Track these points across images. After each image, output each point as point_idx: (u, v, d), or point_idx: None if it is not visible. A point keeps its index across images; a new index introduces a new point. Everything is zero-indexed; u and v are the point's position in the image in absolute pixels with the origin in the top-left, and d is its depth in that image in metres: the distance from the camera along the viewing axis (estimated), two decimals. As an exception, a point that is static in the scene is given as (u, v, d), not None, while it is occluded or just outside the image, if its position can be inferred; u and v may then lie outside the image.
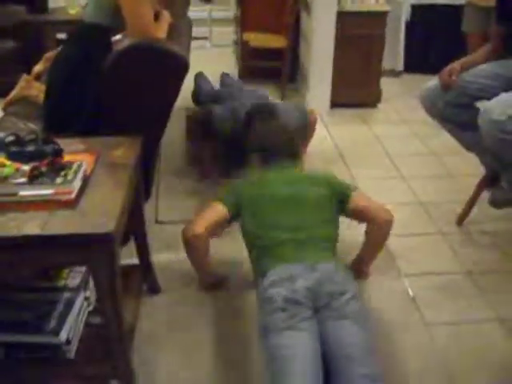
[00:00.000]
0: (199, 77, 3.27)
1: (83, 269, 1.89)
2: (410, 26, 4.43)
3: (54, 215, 1.44)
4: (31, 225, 1.40)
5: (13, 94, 2.70)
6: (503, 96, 2.10)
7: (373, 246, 2.17)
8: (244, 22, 4.23)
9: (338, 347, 1.59)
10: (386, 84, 4.18)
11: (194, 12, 5.23)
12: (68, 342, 1.66)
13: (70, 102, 2.10)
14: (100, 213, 1.45)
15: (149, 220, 2.57)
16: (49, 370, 1.65)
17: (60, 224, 1.41)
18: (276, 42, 4.00)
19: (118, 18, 2.01)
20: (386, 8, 3.65)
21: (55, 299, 1.73)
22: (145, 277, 2.11)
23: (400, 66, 4.50)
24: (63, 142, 1.77)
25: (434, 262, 2.39)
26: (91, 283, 1.88)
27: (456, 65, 2.32)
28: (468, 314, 2.10)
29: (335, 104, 3.90)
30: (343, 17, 3.60)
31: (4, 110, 2.59)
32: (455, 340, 1.97)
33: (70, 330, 1.68)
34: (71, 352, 1.68)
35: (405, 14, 4.33)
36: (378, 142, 3.51)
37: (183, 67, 1.95)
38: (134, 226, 1.96)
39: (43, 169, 1.55)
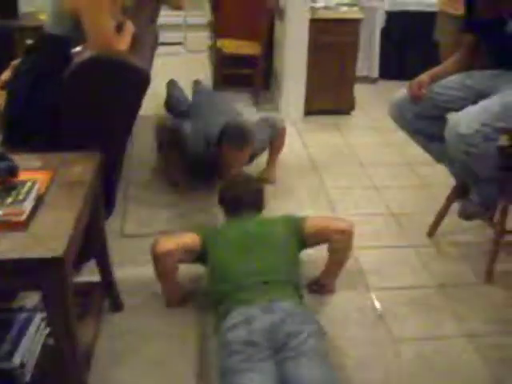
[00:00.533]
0: (171, 85, 3.23)
1: (41, 288, 1.85)
2: (385, 33, 4.42)
3: (3, 237, 1.39)
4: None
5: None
6: (470, 109, 2.09)
7: (336, 260, 2.17)
8: (218, 29, 4.18)
9: None
10: (361, 91, 4.17)
11: (169, 17, 5.22)
12: (22, 365, 1.61)
13: (31, 114, 2.05)
14: (51, 236, 1.40)
15: (115, 233, 2.55)
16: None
17: (9, 247, 1.36)
18: (250, 48, 3.97)
19: (78, 29, 1.96)
20: (359, 15, 3.63)
21: (10, 321, 1.68)
22: (107, 294, 2.06)
23: (375, 73, 4.49)
24: (20, 158, 1.71)
25: (403, 276, 2.37)
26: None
27: (425, 76, 2.30)
28: (436, 330, 2.08)
29: (309, 111, 3.88)
30: (316, 24, 3.58)
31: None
32: (422, 356, 1.94)
33: (25, 353, 1.64)
34: (26, 376, 1.63)
35: (380, 21, 4.32)
36: (352, 150, 3.50)
37: (143, 80, 1.91)
38: (93, 243, 1.92)
39: (-8, 189, 1.50)
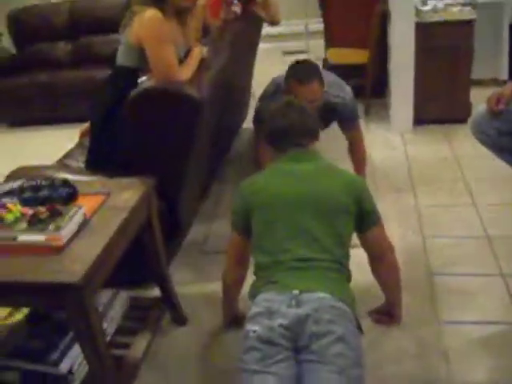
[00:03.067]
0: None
1: (103, 300, 2.03)
2: (514, 30, 3.98)
3: (41, 261, 1.56)
4: (15, 269, 1.54)
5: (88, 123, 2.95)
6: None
7: (388, 286, 2.01)
8: (328, 37, 4.13)
9: None
10: (485, 95, 3.80)
11: (291, 26, 5.28)
12: (71, 372, 1.79)
13: (106, 141, 2.25)
14: (79, 261, 1.53)
15: (196, 249, 2.68)
16: (53, 397, 1.79)
17: (41, 270, 1.52)
18: (357, 57, 3.85)
19: (144, 60, 2.12)
20: (470, 16, 3.32)
21: (65, 330, 1.87)
22: (169, 309, 2.18)
23: (504, 75, 4.06)
24: (82, 184, 1.91)
25: (483, 309, 2.13)
26: (110, 314, 2.01)
27: (507, 89, 2.06)
28: (507, 376, 1.84)
29: (420, 121, 3.66)
30: (423, 28, 3.35)
31: (80, 137, 2.82)
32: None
33: (75, 360, 1.81)
34: (75, 382, 1.80)
35: (508, 17, 3.90)
36: (458, 164, 3.22)
37: (195, 108, 1.98)
38: (149, 265, 2.05)
39: (42, 215, 1.68)
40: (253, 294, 1.72)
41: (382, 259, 1.91)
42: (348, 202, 1.77)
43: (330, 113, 2.63)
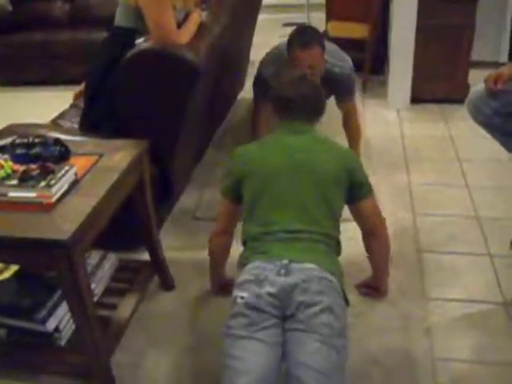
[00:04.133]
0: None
1: (92, 261, 2.03)
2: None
3: (30, 217, 1.56)
4: (5, 226, 1.53)
5: (82, 86, 2.91)
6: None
7: (377, 261, 2.03)
8: (328, 9, 4.07)
9: (292, 365, 1.48)
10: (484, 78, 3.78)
11: (292, -3, 5.21)
12: (57, 330, 1.80)
13: (101, 102, 2.22)
14: (68, 219, 1.53)
15: (187, 215, 2.68)
16: (39, 354, 1.81)
17: (29, 227, 1.52)
18: (357, 31, 3.80)
19: (142, 22, 2.08)
20: (475, -6, 3.28)
21: (54, 288, 1.87)
22: (156, 273, 2.19)
23: (504, 57, 4.03)
24: (75, 144, 1.90)
25: (468, 287, 2.16)
26: (99, 275, 2.02)
27: (506, 69, 2.05)
28: (489, 354, 1.87)
29: (417, 99, 3.64)
30: (425, 4, 3.31)
31: (74, 99, 2.79)
32: (457, 381, 1.77)
33: (62, 318, 1.82)
34: (61, 340, 1.82)
35: (512, -1, 3.87)
36: (453, 144, 3.22)
37: (193, 73, 1.96)
38: (140, 228, 2.05)
39: (34, 172, 1.67)
40: (241, 264, 1.73)
41: (374, 232, 1.92)
42: (340, 173, 1.77)
43: (329, 82, 2.60)
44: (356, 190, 1.83)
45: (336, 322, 1.53)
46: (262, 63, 2.73)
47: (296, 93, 1.88)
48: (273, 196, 1.74)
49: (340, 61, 2.62)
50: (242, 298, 1.57)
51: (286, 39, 2.55)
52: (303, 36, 2.45)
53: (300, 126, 1.87)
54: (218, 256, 2.05)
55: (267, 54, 2.74)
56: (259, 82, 2.73)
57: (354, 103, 2.82)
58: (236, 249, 1.94)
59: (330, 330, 1.51)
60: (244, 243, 1.80)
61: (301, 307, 1.53)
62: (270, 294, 1.55)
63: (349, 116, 2.83)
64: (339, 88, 2.68)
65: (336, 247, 1.78)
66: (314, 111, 1.92)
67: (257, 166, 1.80)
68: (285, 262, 1.60)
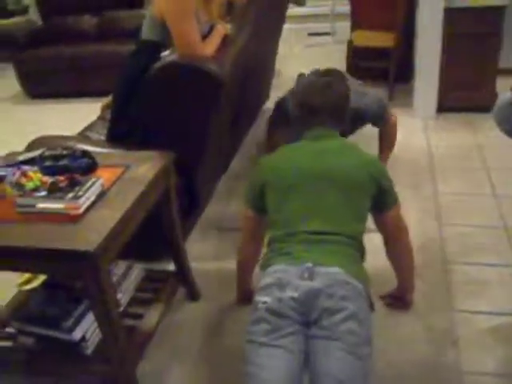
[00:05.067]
0: (299, 78, 3.20)
1: (118, 271, 2.06)
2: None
3: (59, 228, 1.59)
4: (33, 236, 1.56)
5: (109, 98, 2.96)
6: None
7: (402, 270, 2.00)
8: (355, 19, 4.06)
9: (315, 374, 1.46)
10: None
11: (316, 7, 5.22)
12: (84, 339, 1.83)
13: (128, 114, 2.26)
14: (95, 230, 1.55)
15: (212, 226, 2.70)
16: (65, 363, 1.83)
17: (58, 238, 1.55)
18: (383, 40, 3.78)
19: (168, 35, 2.11)
20: (501, 2, 3.23)
21: (81, 298, 1.90)
22: (182, 284, 2.20)
23: (533, 64, 3.97)
24: (102, 156, 1.93)
25: (496, 300, 2.12)
26: (124, 285, 2.04)
27: (535, 78, 2.01)
28: (517, 367, 1.84)
29: (444, 108, 3.61)
30: (452, 13, 3.28)
31: (102, 111, 2.84)
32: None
33: (89, 328, 1.85)
34: (88, 349, 1.84)
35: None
36: (481, 153, 3.18)
37: (217, 85, 1.97)
38: (166, 239, 2.07)
39: (62, 183, 1.71)
40: (264, 265, 1.70)
41: (396, 241, 1.90)
42: (366, 180, 1.74)
43: (359, 118, 2.65)
44: (382, 199, 1.80)
45: (361, 329, 1.50)
46: (286, 99, 2.73)
47: (322, 100, 1.86)
48: (299, 199, 1.71)
49: (363, 98, 2.63)
50: (264, 302, 1.54)
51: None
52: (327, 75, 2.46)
53: (325, 131, 1.86)
54: (245, 266, 2.06)
55: (291, 92, 2.75)
56: (279, 109, 2.75)
57: (389, 122, 2.81)
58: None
59: (355, 337, 1.48)
60: (268, 245, 1.77)
61: (325, 314, 1.49)
62: (292, 299, 1.51)
63: (385, 130, 2.86)
64: (371, 121, 2.74)
65: (362, 251, 1.75)
66: (339, 118, 1.90)
67: (282, 172, 1.78)
68: (309, 265, 1.56)
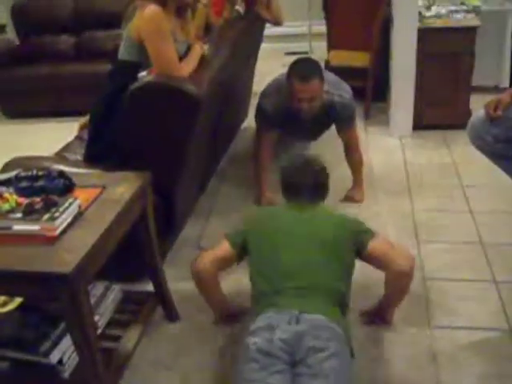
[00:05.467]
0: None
1: (96, 292, 2.03)
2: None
3: (34, 250, 1.57)
4: (9, 259, 1.54)
5: (87, 117, 2.95)
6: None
7: (392, 295, 2.02)
8: (331, 39, 4.13)
9: None
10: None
11: (294, 27, 5.29)
12: (61, 363, 1.79)
13: (105, 134, 2.26)
14: (71, 252, 1.53)
15: (192, 245, 2.68)
16: (42, 387, 1.80)
17: (33, 260, 1.53)
18: (359, 60, 3.85)
19: (145, 55, 2.12)
20: (474, 23, 3.33)
21: (58, 320, 1.87)
22: (161, 305, 2.18)
23: (505, 83, 4.06)
24: (79, 176, 1.91)
25: (474, 314, 2.14)
26: (102, 307, 2.01)
27: (506, 96, 2.06)
28: (495, 382, 1.84)
29: (420, 126, 3.66)
30: (426, 33, 3.36)
31: (79, 131, 2.82)
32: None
33: (66, 351, 1.82)
34: (65, 372, 1.81)
35: (511, 25, 3.91)
36: (456, 170, 3.23)
37: (194, 105, 1.99)
38: (143, 259, 2.05)
39: (37, 205, 1.69)
40: (254, 317, 1.78)
41: (388, 268, 1.91)
42: (342, 231, 1.92)
43: (329, 111, 2.65)
44: (360, 237, 1.92)
45: (343, 368, 1.60)
46: (263, 95, 2.78)
47: (303, 180, 2.04)
48: (286, 258, 1.83)
49: (339, 90, 2.67)
50: (255, 343, 1.63)
51: (285, 71, 2.60)
52: (302, 69, 2.51)
53: (308, 203, 2.01)
54: (212, 286, 2.06)
55: (267, 86, 2.80)
56: (260, 114, 2.77)
57: (355, 131, 2.86)
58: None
59: (337, 375, 1.56)
60: (255, 299, 1.88)
61: (310, 352, 1.59)
62: (281, 340, 1.61)
63: (350, 145, 2.87)
64: (339, 116, 2.73)
65: (344, 308, 1.85)
66: (320, 195, 2.09)
67: (267, 236, 1.92)
68: (295, 312, 1.68)
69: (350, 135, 2.84)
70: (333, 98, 2.62)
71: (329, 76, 2.67)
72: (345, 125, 2.79)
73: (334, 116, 2.71)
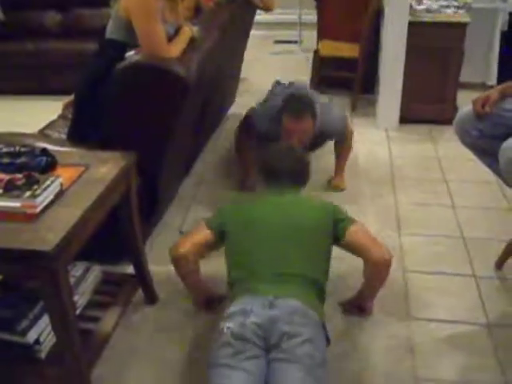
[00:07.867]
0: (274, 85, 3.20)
1: (76, 273, 2.01)
2: (507, 36, 4.01)
3: (14, 227, 1.54)
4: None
5: (72, 96, 2.90)
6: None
7: (369, 284, 2.02)
8: (320, 29, 4.11)
9: None
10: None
11: (285, 15, 5.26)
12: (38, 342, 1.77)
13: (90, 114, 2.22)
14: (52, 230, 1.50)
15: (173, 230, 2.67)
16: (18, 367, 1.77)
17: (13, 237, 1.50)
18: (348, 51, 3.84)
19: (133, 35, 2.08)
20: (464, 19, 3.33)
21: (36, 300, 1.84)
22: (141, 287, 2.17)
23: (492, 80, 4.08)
24: (62, 154, 1.88)
25: (453, 308, 2.16)
26: (82, 287, 1.99)
27: (495, 92, 2.06)
28: (472, 375, 1.87)
29: (406, 119, 3.67)
30: (416, 27, 3.36)
31: (63, 110, 2.77)
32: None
33: (44, 330, 1.79)
34: (42, 352, 1.78)
35: (501, 23, 3.93)
36: (440, 164, 3.25)
37: (182, 87, 1.96)
38: (125, 241, 2.03)
39: (19, 182, 1.65)
40: (229, 302, 1.78)
41: (365, 256, 1.91)
42: (322, 217, 1.93)
43: (323, 135, 2.77)
44: (339, 224, 1.94)
45: (317, 352, 1.60)
46: (256, 115, 2.79)
47: (283, 165, 2.06)
48: (262, 248, 1.84)
49: (328, 114, 2.72)
50: (229, 328, 1.63)
51: (281, 97, 2.64)
52: (295, 106, 2.53)
53: (285, 189, 2.03)
54: (192, 272, 2.03)
55: (262, 108, 2.82)
56: (251, 129, 2.80)
57: (348, 138, 2.92)
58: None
59: (312, 360, 1.57)
60: (230, 286, 1.88)
61: (284, 337, 1.58)
62: (255, 324, 1.61)
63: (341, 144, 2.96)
64: (332, 137, 2.88)
65: (321, 293, 1.85)
66: (300, 181, 2.11)
67: (244, 223, 1.91)
68: (270, 297, 1.68)
69: (343, 142, 2.96)
70: (322, 127, 2.66)
71: (318, 99, 2.71)
72: (338, 141, 2.94)
73: (327, 137, 2.86)
